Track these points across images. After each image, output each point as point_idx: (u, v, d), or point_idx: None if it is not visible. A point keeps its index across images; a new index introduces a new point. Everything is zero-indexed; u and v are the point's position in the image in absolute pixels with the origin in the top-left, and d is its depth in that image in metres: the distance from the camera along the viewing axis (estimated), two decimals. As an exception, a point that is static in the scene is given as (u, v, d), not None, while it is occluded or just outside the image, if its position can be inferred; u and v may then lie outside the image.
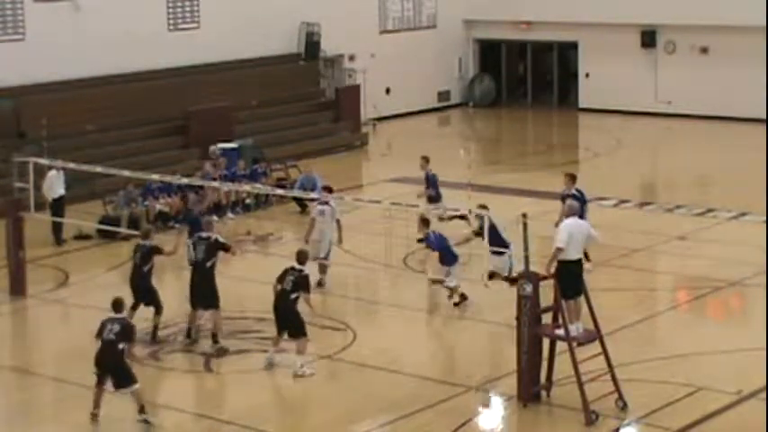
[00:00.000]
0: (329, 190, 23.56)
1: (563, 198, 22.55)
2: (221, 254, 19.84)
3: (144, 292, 19.69)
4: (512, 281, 19.58)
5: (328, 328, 20.29)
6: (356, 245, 25.09)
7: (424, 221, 21.68)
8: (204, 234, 19.81)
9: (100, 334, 16.45)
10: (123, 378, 16.40)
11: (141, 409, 16.46)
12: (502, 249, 19.90)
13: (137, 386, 16.44)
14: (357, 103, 38.89)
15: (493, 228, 19.62)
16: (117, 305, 16.75)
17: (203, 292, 19.52)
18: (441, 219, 23.00)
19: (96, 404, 16.53)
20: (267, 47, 37.92)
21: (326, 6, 39.13)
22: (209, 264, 19.49)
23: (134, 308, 19.33)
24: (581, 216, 19.49)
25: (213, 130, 33.21)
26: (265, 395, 18.01)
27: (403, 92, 42.45)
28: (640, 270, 24.03)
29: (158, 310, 19.80)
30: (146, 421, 16.43)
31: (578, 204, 18.81)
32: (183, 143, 34.08)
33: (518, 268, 18.94)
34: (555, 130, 42.94)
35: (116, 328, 16.40)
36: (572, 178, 23.42)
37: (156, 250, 19.78)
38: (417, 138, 39.30)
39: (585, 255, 20.75)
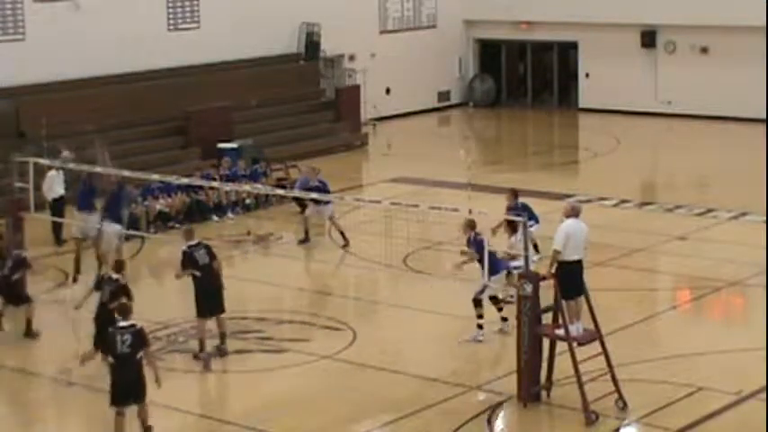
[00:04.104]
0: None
1: (508, 209, 21.99)
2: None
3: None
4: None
5: (328, 328, 20.30)
6: (356, 245, 25.15)
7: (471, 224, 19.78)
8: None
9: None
10: None
11: None
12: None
13: None
14: (357, 103, 38.88)
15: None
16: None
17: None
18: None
19: None
20: (267, 47, 37.90)
21: (326, 6, 39.12)
22: None
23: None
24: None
25: (213, 130, 33.21)
26: (266, 395, 17.99)
27: (403, 92, 42.43)
28: (640, 270, 24.03)
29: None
30: None
31: (580, 205, 18.69)
32: (183, 143, 34.06)
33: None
34: (555, 130, 42.92)
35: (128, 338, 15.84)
36: (513, 193, 22.61)
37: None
38: (417, 138, 39.33)
39: (535, 246, 21.34)
